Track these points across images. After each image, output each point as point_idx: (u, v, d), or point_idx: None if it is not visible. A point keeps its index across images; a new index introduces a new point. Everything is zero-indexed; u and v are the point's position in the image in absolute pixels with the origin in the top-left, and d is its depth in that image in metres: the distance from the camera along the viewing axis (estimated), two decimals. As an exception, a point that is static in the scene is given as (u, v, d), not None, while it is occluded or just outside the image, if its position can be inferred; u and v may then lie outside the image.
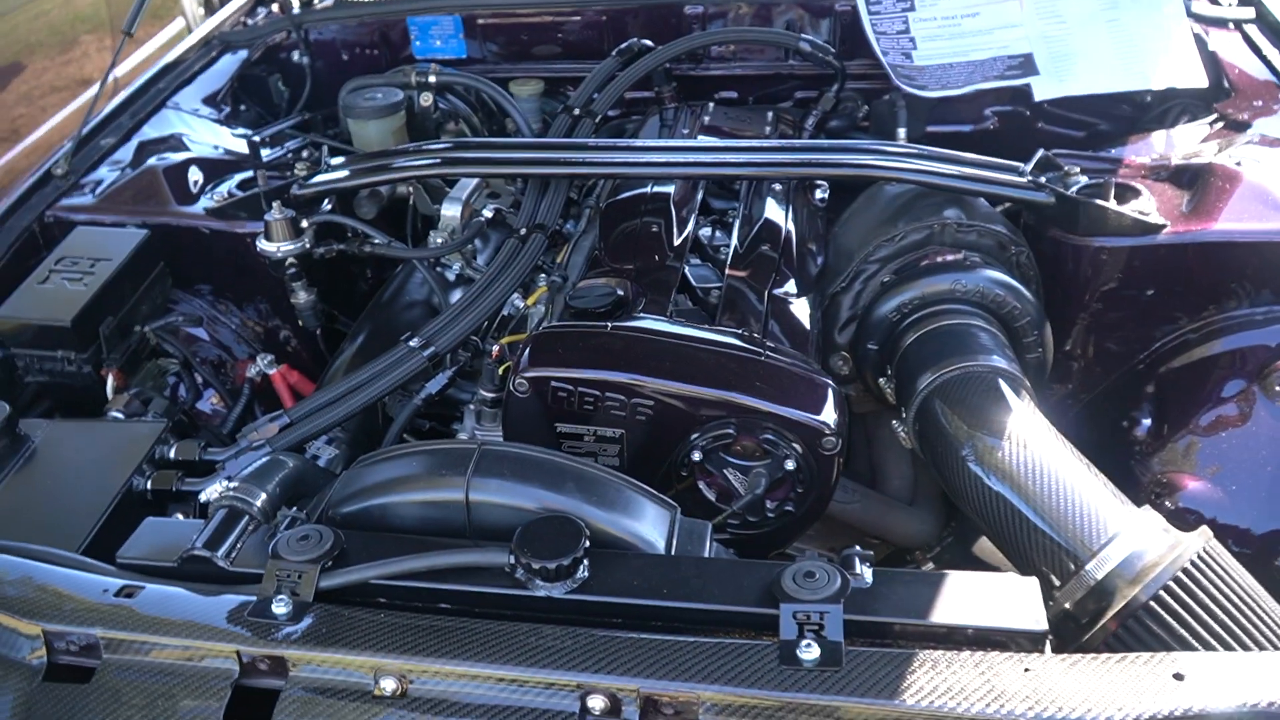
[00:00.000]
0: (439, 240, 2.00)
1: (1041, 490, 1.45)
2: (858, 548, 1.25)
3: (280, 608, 1.19)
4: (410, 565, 1.26)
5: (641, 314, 1.61)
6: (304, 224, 1.97)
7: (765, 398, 1.47)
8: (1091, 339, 1.87)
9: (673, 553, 1.33)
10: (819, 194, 2.05)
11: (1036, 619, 1.17)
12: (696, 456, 1.49)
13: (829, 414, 1.49)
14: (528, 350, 1.53)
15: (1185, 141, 2.03)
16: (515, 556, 1.23)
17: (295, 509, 1.43)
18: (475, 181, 2.10)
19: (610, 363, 1.50)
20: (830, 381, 1.55)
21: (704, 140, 2.09)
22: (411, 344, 1.68)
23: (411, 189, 2.21)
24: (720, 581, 1.25)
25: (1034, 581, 1.22)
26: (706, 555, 1.34)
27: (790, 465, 1.47)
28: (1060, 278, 1.84)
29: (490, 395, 1.66)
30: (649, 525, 1.34)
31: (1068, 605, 1.37)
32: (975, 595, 1.21)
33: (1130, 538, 1.35)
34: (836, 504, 1.81)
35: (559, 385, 1.49)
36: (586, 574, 1.23)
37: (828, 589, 1.18)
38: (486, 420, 1.69)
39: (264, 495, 1.42)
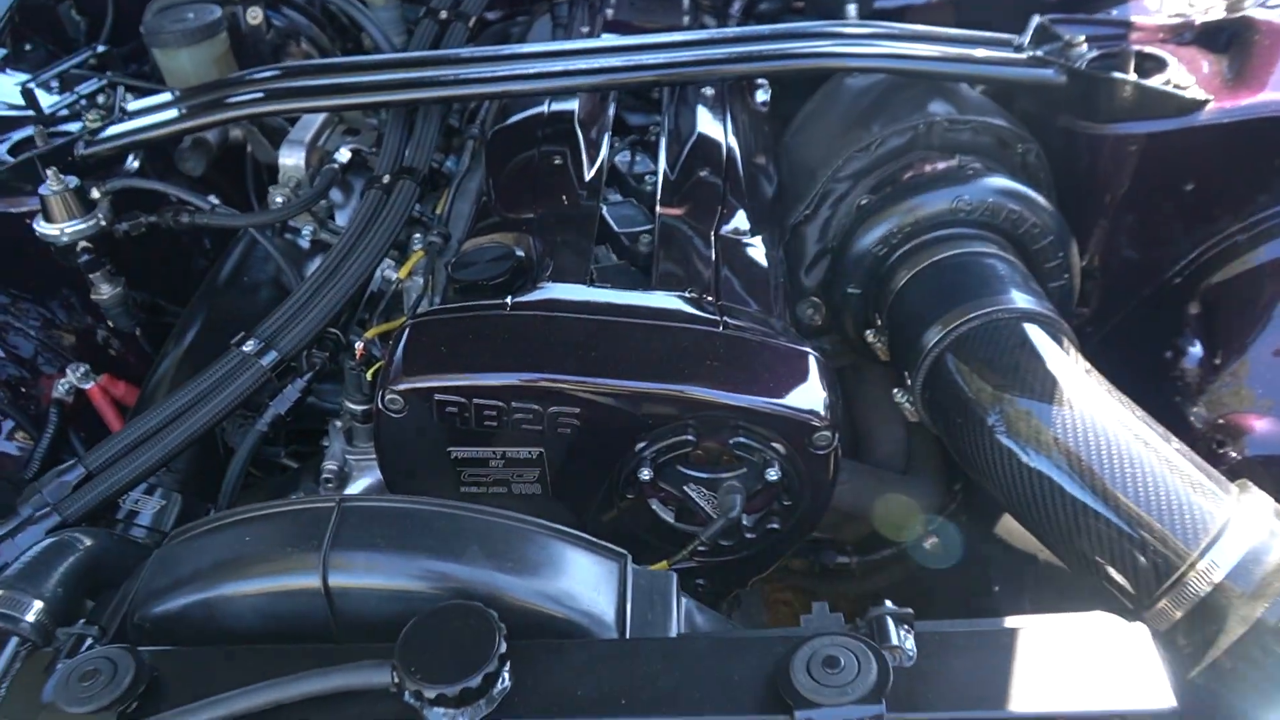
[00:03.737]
0: (279, 199, 1.54)
1: (1101, 466, 1.09)
2: (889, 604, 0.88)
3: (61, 792, 0.81)
4: (246, 704, 0.86)
5: (550, 280, 1.20)
6: (95, 194, 1.49)
7: (730, 387, 1.08)
8: (1115, 250, 1.51)
9: (627, 626, 0.95)
10: (760, 95, 1.64)
11: (1161, 694, 0.81)
12: (646, 474, 1.09)
13: (816, 397, 1.10)
14: (399, 352, 1.11)
15: (1197, -8, 1.65)
16: (399, 676, 0.83)
17: (93, 609, 1.02)
18: (322, 118, 1.63)
19: (513, 359, 1.08)
20: (812, 350, 1.16)
21: (609, 39, 1.64)
22: (245, 349, 1.24)
23: (245, 134, 1.73)
24: (701, 674, 0.88)
25: (1142, 631, 0.87)
26: (675, 628, 0.96)
27: (772, 475, 1.09)
28: (1073, 177, 1.47)
29: (359, 408, 1.24)
30: (591, 591, 0.96)
31: (1161, 628, 1.03)
32: (1061, 658, 0.86)
33: (1241, 533, 1.01)
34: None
35: (446, 399, 1.07)
36: (508, 684, 0.86)
37: (861, 682, 0.83)
38: (360, 439, 1.27)
39: (38, 604, 1.00)
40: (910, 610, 0.88)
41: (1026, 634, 0.88)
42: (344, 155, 1.61)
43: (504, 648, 0.84)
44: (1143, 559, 1.05)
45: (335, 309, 1.29)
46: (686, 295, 1.18)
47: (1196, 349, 1.44)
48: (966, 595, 1.58)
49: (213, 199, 1.77)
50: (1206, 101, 1.37)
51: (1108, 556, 1.08)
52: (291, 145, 1.57)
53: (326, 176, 1.56)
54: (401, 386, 1.07)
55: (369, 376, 1.21)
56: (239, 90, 1.55)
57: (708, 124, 1.53)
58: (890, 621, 0.87)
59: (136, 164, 1.64)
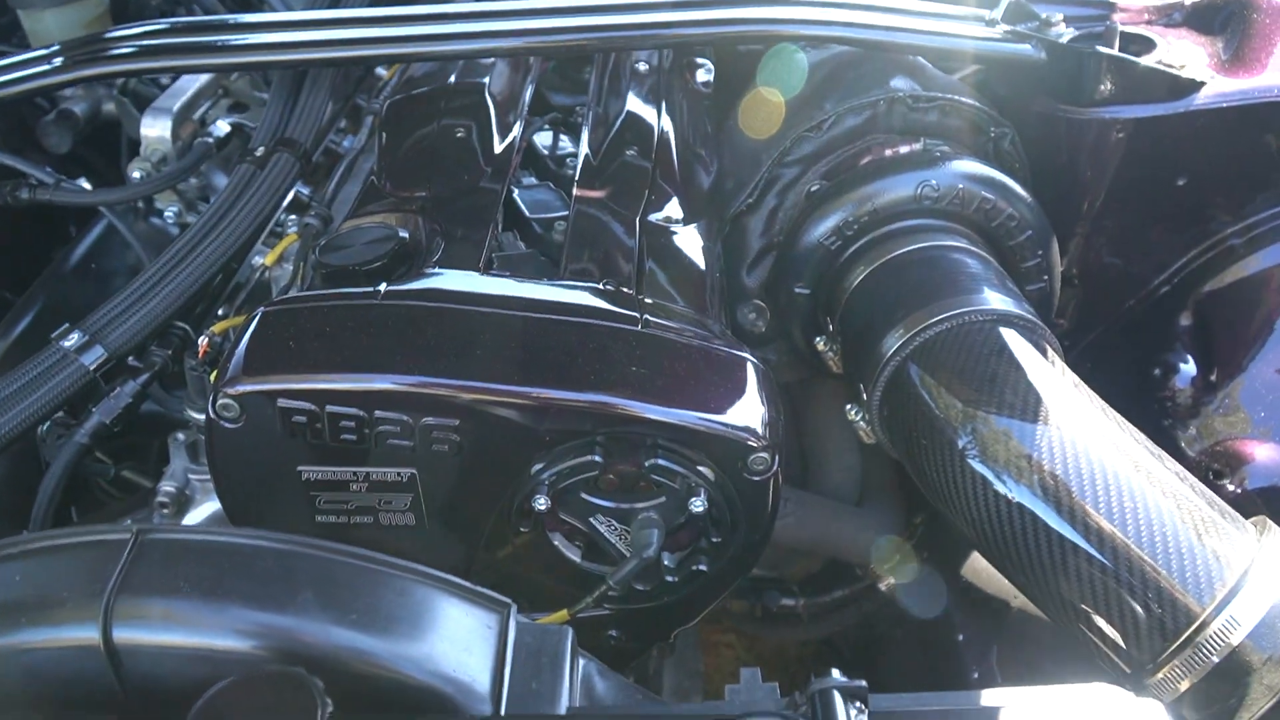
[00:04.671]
0: (137, 174, 1.33)
1: (1093, 498, 0.92)
2: (836, 674, 0.69)
3: None
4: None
5: (438, 267, 0.99)
6: (-85, 163, 1.27)
7: (646, 397, 0.88)
8: (1096, 254, 1.34)
9: (504, 698, 0.74)
10: (701, 74, 1.45)
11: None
12: (542, 504, 0.89)
13: (752, 411, 0.91)
14: (241, 347, 0.90)
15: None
16: (187, 770, 0.62)
17: None
18: (198, 86, 1.42)
19: (377, 358, 0.88)
20: (751, 356, 0.96)
21: (523, 3, 1.44)
22: (66, 344, 1.02)
23: (116, 105, 1.52)
24: (592, 767, 0.68)
25: (1156, 710, 0.68)
26: (565, 699, 0.75)
27: (698, 506, 0.89)
28: (1050, 170, 1.29)
29: (203, 416, 1.02)
30: (460, 652, 0.75)
31: (1165, 699, 0.85)
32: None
33: (1264, 583, 0.83)
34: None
35: (291, 406, 0.86)
36: (333, 778, 0.64)
37: (797, 783, 0.61)
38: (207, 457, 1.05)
39: None
40: (864, 683, 0.69)
41: (1010, 713, 0.69)
42: (222, 128, 1.41)
43: (325, 732, 0.63)
44: (1142, 613, 0.87)
45: (183, 299, 1.08)
46: (600, 287, 0.98)
47: (1188, 366, 1.27)
48: (927, 646, 1.39)
49: (83, 181, 1.56)
50: (1202, 83, 1.21)
51: (1099, 606, 0.90)
52: (156, 113, 1.35)
53: (197, 151, 1.34)
54: (238, 390, 0.86)
55: (213, 379, 1.00)
56: (100, 48, 1.33)
57: (638, 103, 1.34)
58: (838, 698, 0.67)
59: (-22, 133, 1.42)
